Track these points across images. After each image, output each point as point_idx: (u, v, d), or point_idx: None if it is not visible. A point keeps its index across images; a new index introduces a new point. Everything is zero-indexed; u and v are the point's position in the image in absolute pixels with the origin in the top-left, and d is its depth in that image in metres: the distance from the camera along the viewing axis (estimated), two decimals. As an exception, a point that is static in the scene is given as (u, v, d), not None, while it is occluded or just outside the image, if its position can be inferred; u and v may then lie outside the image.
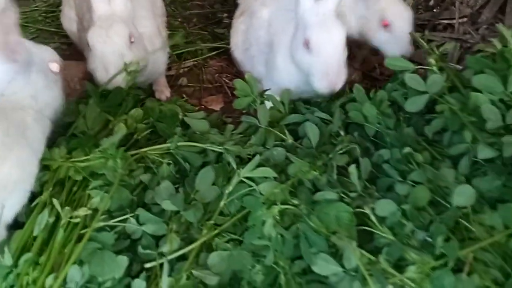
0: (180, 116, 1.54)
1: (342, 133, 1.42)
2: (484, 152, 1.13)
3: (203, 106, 2.01)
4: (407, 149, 1.19)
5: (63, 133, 1.38)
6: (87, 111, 1.37)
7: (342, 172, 1.26)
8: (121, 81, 1.42)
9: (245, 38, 1.79)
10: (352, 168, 1.15)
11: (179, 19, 2.57)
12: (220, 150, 1.32)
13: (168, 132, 1.45)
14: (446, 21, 2.46)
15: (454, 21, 2.43)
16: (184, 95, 2.06)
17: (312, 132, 1.38)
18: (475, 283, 0.88)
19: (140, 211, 1.11)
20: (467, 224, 1.00)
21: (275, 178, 1.20)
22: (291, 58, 1.50)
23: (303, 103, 1.62)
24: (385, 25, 1.67)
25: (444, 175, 1.15)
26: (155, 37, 1.63)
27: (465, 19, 2.43)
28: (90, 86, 1.43)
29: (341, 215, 1.05)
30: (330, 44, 1.38)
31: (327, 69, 1.38)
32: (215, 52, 2.30)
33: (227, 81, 2.16)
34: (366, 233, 1.06)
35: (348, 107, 1.47)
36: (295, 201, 1.10)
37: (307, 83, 1.46)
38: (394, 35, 1.69)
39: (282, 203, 1.07)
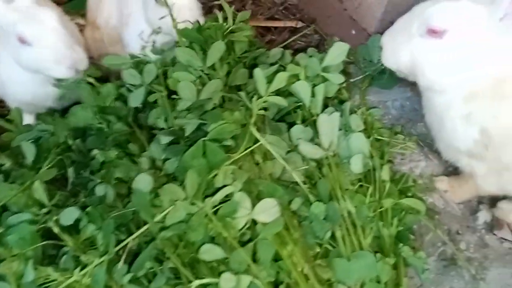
0: None
1: (70, 142, 1.41)
2: (165, 139, 1.22)
3: None
4: (95, 151, 1.23)
5: None
6: None
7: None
8: None
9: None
10: (37, 184, 1.15)
11: None
12: None
13: None
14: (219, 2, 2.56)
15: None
16: None
17: (27, 150, 1.33)
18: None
19: None
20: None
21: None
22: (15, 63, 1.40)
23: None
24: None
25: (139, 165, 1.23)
26: None
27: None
28: None
29: (26, 236, 1.06)
30: (46, 29, 1.33)
31: (58, 53, 1.34)
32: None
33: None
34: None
35: (70, 111, 1.45)
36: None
37: (44, 83, 1.42)
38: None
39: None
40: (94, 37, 1.88)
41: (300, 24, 2.32)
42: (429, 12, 1.13)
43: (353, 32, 2.10)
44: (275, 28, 2.35)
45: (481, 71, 1.10)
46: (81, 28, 1.94)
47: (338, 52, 1.26)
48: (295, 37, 2.20)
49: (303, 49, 1.66)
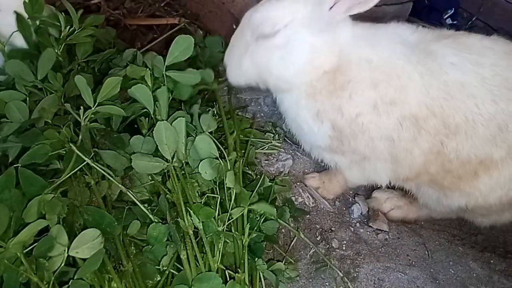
0: None
1: None
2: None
3: None
4: None
5: None
6: None
7: None
8: None
9: None
10: None
11: None
12: None
13: None
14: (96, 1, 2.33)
15: None
16: None
17: None
18: None
19: None
20: None
21: None
22: None
23: None
24: None
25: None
26: None
27: (111, -5, 2.33)
28: None
29: None
30: None
31: None
32: None
33: None
34: None
35: None
36: None
37: None
38: None
39: None
40: None
41: (183, 21, 2.18)
42: (257, 17, 1.10)
43: (234, 26, 1.99)
44: (158, 25, 2.19)
45: (315, 65, 1.05)
46: None
47: (182, 47, 1.13)
48: (170, 32, 2.05)
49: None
